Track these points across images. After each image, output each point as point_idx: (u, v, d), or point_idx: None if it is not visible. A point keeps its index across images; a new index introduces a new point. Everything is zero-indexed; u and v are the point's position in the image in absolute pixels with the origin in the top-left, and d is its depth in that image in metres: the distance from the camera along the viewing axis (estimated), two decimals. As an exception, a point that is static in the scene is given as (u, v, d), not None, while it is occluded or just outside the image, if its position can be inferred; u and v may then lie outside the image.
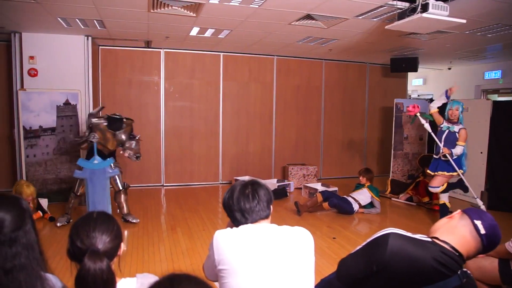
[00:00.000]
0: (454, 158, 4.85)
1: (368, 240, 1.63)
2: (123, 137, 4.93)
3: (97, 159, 4.52)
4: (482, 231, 1.53)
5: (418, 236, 1.57)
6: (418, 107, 5.13)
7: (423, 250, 1.50)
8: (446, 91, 4.95)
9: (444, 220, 1.68)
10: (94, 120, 4.76)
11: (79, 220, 1.42)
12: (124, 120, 4.97)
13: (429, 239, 1.57)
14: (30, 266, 1.24)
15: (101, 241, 1.36)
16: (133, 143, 4.99)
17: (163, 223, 5.11)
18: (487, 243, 1.54)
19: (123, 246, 1.47)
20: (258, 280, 1.56)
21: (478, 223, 1.54)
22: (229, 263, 1.59)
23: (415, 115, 5.16)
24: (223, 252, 1.61)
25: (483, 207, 4.63)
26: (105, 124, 4.81)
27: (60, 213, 5.08)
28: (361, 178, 5.84)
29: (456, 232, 1.57)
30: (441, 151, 4.86)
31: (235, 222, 1.75)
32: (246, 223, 1.72)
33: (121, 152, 4.98)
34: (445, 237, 1.57)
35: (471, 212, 1.60)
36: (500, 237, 1.56)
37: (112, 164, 4.65)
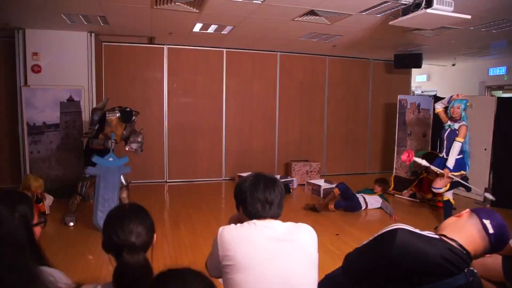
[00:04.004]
0: (457, 157, 4.87)
1: (375, 235, 1.62)
2: (128, 131, 4.96)
3: (112, 157, 4.56)
4: (491, 231, 1.52)
5: (426, 233, 1.56)
6: (411, 153, 5.09)
7: (431, 247, 1.49)
8: (451, 97, 4.96)
9: (453, 219, 1.68)
10: (110, 115, 4.72)
11: (112, 214, 1.41)
12: (134, 112, 4.99)
13: (437, 236, 1.57)
14: (20, 266, 1.22)
15: (137, 235, 1.36)
16: (140, 136, 5.04)
17: (166, 219, 5.13)
18: (495, 243, 1.53)
19: (154, 236, 1.48)
20: (263, 276, 1.57)
21: (487, 222, 1.53)
22: (233, 259, 1.59)
23: (413, 161, 5.13)
24: (227, 248, 1.61)
25: (492, 197, 4.65)
26: (118, 115, 4.80)
27: (63, 209, 5.06)
28: (376, 186, 5.84)
29: (464, 230, 1.57)
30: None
31: (252, 213, 1.71)
32: (264, 216, 1.69)
33: (126, 147, 4.98)
34: (453, 235, 1.57)
35: (480, 211, 1.60)
36: (509, 237, 1.55)
37: None
